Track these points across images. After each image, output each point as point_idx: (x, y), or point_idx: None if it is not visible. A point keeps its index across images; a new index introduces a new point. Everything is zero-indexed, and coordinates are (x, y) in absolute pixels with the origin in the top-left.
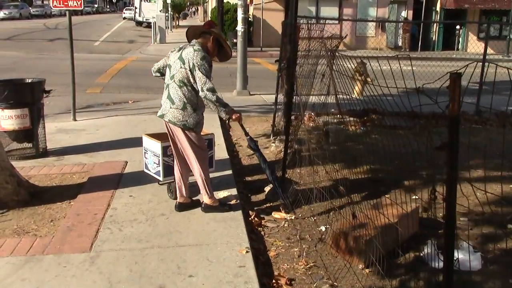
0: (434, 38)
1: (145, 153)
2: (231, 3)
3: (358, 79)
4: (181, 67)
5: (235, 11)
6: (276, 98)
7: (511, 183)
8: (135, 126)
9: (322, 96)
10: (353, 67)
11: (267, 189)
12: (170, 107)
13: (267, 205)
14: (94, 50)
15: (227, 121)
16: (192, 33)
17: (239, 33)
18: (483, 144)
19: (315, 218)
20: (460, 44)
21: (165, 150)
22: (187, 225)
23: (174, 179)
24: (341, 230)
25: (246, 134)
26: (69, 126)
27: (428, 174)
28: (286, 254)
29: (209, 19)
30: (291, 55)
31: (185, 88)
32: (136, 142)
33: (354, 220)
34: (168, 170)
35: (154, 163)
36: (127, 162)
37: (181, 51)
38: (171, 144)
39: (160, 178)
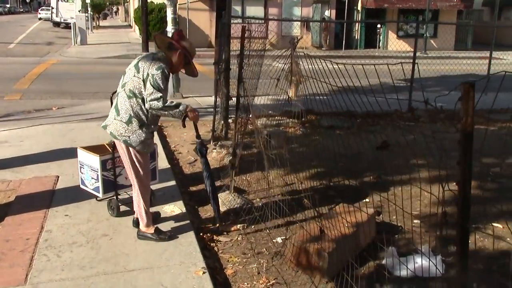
0: (356, 37)
1: (81, 167)
2: (155, 3)
3: (292, 79)
4: (134, 75)
5: (159, 10)
6: (215, 101)
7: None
8: (63, 136)
9: (264, 97)
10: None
11: None
12: (115, 118)
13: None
14: (9, 53)
15: (182, 121)
16: (160, 42)
17: (170, 34)
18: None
19: (269, 229)
20: (381, 42)
21: (104, 164)
22: (134, 245)
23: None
24: (300, 244)
25: (198, 136)
26: None
27: (375, 176)
28: (244, 271)
29: (132, 19)
30: (227, 56)
31: (134, 99)
32: (66, 153)
33: (322, 235)
34: (107, 186)
35: (92, 178)
36: (59, 177)
37: (140, 58)
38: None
39: (100, 195)
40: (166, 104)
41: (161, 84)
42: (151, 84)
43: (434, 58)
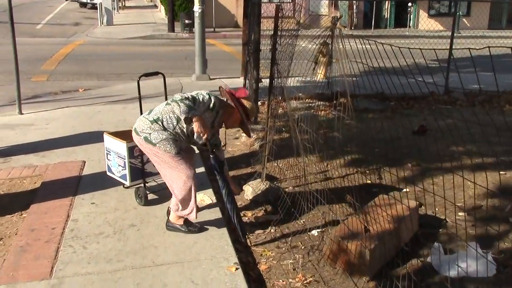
0: (386, 16)
1: (107, 154)
2: None
3: (322, 60)
4: (186, 93)
5: None
6: (244, 84)
7: (500, 170)
8: (89, 119)
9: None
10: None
11: (247, 188)
12: (143, 116)
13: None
14: (36, 34)
15: (189, 122)
16: (223, 93)
17: (196, 14)
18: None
19: (303, 220)
20: (411, 21)
21: (131, 151)
22: (162, 237)
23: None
24: (339, 239)
25: (211, 152)
26: (15, 121)
27: (413, 164)
28: (279, 267)
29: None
30: (257, 37)
31: (170, 107)
32: (92, 137)
33: (367, 234)
34: (135, 173)
35: (119, 165)
36: (85, 162)
37: None
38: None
39: (127, 183)
40: (186, 101)
41: (199, 100)
42: (192, 94)
43: (468, 38)
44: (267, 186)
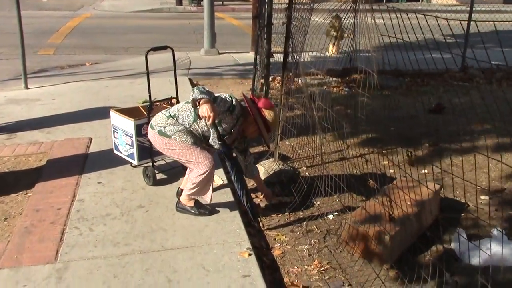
0: None
1: (114, 132)
2: None
3: (333, 35)
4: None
5: None
6: (255, 59)
7: None
8: (96, 94)
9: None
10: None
11: (259, 168)
12: (162, 112)
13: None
14: (43, 7)
15: (195, 106)
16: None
17: None
18: (476, 105)
19: (319, 203)
20: None
21: (139, 128)
22: (172, 219)
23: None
24: (357, 224)
25: (219, 137)
26: (21, 95)
27: (431, 143)
28: (294, 252)
29: None
30: (269, 10)
31: (188, 105)
32: (99, 113)
33: (391, 223)
34: (143, 152)
35: (127, 144)
36: (92, 139)
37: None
38: None
39: (135, 162)
40: (201, 88)
41: (220, 99)
42: (214, 94)
43: (482, 13)
44: (280, 166)
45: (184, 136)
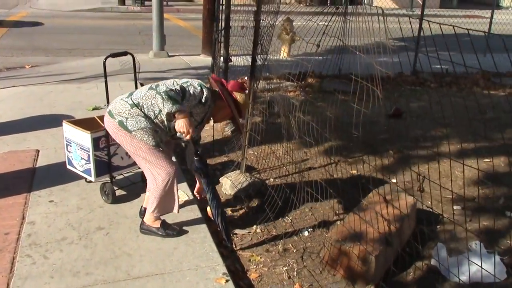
0: None
1: (67, 145)
2: None
3: (285, 38)
4: (173, 80)
5: None
6: (213, 64)
7: (484, 157)
8: (40, 100)
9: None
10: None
11: (224, 181)
12: (121, 98)
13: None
14: None
15: (170, 120)
16: (214, 84)
17: None
18: (432, 109)
19: (290, 218)
20: None
21: (96, 142)
22: (136, 242)
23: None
24: (338, 242)
25: (196, 152)
26: None
27: (395, 151)
28: (271, 275)
29: None
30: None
31: (153, 92)
32: (45, 121)
33: (388, 248)
34: (101, 168)
35: (82, 158)
36: (39, 151)
37: None
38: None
39: (92, 178)
40: (171, 93)
41: (190, 93)
42: (181, 85)
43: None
44: (247, 179)
45: (146, 136)
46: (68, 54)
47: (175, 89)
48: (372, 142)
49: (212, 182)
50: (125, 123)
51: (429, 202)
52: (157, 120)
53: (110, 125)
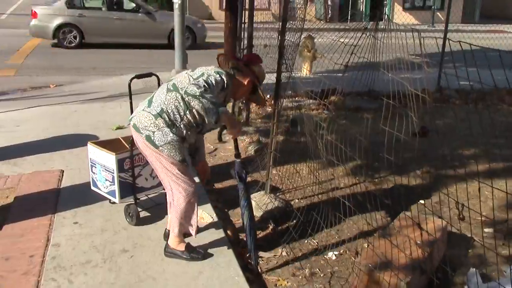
0: (361, 9)
1: (92, 166)
2: None
3: (307, 55)
4: (186, 73)
5: None
6: None
7: None
8: (64, 119)
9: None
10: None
11: None
12: (143, 109)
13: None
14: (1, 25)
15: (218, 132)
16: (224, 62)
17: (176, 6)
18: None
19: (316, 240)
20: (386, 14)
21: (120, 163)
22: (161, 266)
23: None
24: (368, 268)
25: (238, 155)
26: None
27: (422, 171)
28: None
29: None
30: (250, 31)
31: (173, 93)
32: (69, 141)
33: (422, 276)
34: (125, 189)
35: (106, 180)
36: (63, 172)
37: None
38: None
39: (116, 200)
40: (205, 95)
41: (213, 84)
42: (202, 79)
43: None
44: (271, 200)
45: (173, 152)
46: (91, 73)
47: (202, 85)
48: (398, 161)
49: (248, 190)
50: (152, 138)
51: (459, 225)
52: (183, 122)
53: (138, 139)
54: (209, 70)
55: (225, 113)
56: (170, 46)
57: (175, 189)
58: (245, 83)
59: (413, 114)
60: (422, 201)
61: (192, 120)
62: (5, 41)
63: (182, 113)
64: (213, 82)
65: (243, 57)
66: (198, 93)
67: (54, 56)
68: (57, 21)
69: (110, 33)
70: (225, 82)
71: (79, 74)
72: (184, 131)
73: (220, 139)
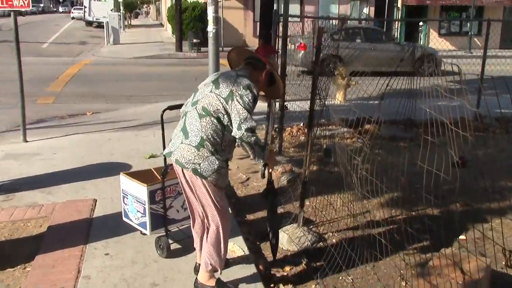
0: (396, 35)
1: (124, 197)
2: (189, 1)
3: (341, 83)
4: (211, 91)
5: (193, 9)
6: (268, 111)
7: None
8: (99, 148)
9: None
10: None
11: (282, 235)
12: (182, 142)
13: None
14: (42, 53)
15: (264, 169)
16: (237, 57)
17: (210, 34)
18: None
19: (351, 277)
20: (421, 40)
21: (152, 195)
22: None
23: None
24: None
25: (270, 182)
26: (19, 149)
27: (462, 203)
28: None
29: (164, 18)
30: (283, 60)
31: (208, 119)
32: (103, 170)
33: None
34: (156, 221)
35: (138, 211)
36: (96, 201)
37: (219, 74)
38: (182, 188)
39: (147, 232)
40: (259, 140)
41: (252, 106)
42: (242, 105)
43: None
44: (305, 233)
45: (221, 179)
46: (127, 101)
47: (250, 110)
48: (436, 193)
49: (275, 204)
50: (199, 170)
51: (503, 263)
52: (224, 143)
53: (184, 174)
54: (238, 87)
55: (270, 151)
56: None
57: (213, 216)
58: (263, 75)
59: (452, 144)
60: (462, 237)
61: (231, 139)
62: (46, 68)
63: (221, 135)
64: (250, 101)
65: (257, 50)
66: (253, 141)
67: (91, 83)
68: None
69: None
70: (256, 93)
71: (115, 101)
72: (227, 150)
73: (263, 176)
